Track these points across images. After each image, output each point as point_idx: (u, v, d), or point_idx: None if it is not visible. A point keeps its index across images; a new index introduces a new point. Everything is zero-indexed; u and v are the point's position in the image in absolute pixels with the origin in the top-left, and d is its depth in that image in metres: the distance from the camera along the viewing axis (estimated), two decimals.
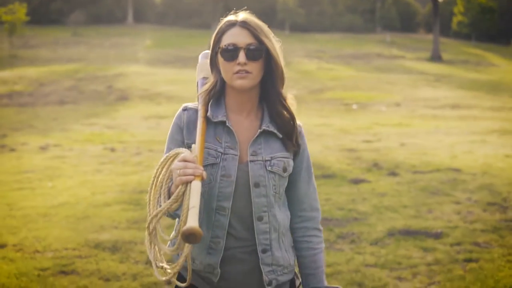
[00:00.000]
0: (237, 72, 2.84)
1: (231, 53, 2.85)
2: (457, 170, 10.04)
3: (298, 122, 3.00)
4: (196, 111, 2.97)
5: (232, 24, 2.91)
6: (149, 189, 2.61)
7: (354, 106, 21.04)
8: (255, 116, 2.99)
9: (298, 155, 3.00)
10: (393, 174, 9.90)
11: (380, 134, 14.76)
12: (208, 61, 3.05)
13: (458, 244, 6.16)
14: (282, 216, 2.96)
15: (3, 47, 36.83)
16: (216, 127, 2.92)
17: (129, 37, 43.91)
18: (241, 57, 2.82)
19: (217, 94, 2.98)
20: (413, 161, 10.95)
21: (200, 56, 3.17)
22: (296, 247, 3.04)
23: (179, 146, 2.90)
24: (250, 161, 2.88)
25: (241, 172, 2.87)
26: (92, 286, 5.08)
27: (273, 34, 2.93)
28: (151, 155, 11.75)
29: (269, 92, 2.97)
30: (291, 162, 2.96)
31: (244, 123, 2.97)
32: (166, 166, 2.65)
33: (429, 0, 41.40)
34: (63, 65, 30.48)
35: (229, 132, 2.90)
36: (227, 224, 2.87)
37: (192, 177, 2.58)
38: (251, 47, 2.84)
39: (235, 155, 2.87)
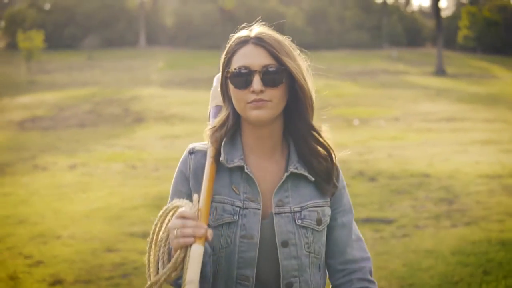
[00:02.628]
0: (251, 102, 2.41)
1: (243, 78, 2.42)
2: (427, 175, 12.17)
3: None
4: (205, 154, 2.55)
5: (244, 41, 2.48)
6: (147, 247, 2.30)
7: (355, 122, 22.86)
8: (280, 156, 2.57)
9: (334, 197, 2.57)
10: (372, 180, 12.06)
11: (373, 147, 16.81)
12: None
13: (403, 227, 8.42)
14: (317, 280, 2.55)
15: (20, 72, 39.10)
16: (232, 174, 2.50)
17: (142, 59, 46.06)
18: (256, 82, 2.39)
19: (231, 131, 2.55)
20: (394, 169, 13.06)
21: (214, 80, 2.75)
22: None
23: None
24: (276, 213, 2.45)
25: (265, 230, 2.45)
26: (132, 257, 7.39)
27: (298, 51, 2.54)
28: (168, 171, 13.87)
29: (296, 124, 2.53)
30: (328, 211, 2.55)
31: (268, 166, 2.54)
32: (165, 222, 2.29)
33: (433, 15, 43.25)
34: (80, 89, 32.50)
35: (249, 179, 2.48)
36: None
37: (192, 239, 2.17)
38: (269, 69, 2.41)
39: (258, 209, 2.44)
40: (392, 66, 43.34)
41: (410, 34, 57.85)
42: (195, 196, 2.30)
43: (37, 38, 37.48)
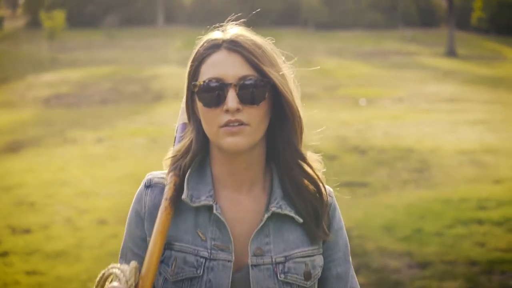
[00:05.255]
0: (225, 125, 2.01)
1: (214, 93, 2.02)
2: (411, 151, 14.36)
3: (328, 188, 2.25)
4: (163, 189, 2.14)
5: (214, 46, 2.10)
6: None
7: (362, 102, 24.65)
8: (261, 190, 2.16)
9: (327, 242, 2.19)
10: (363, 153, 14.32)
11: (374, 125, 18.87)
12: None
13: (375, 189, 10.80)
14: None
15: (42, 50, 41.27)
16: (199, 215, 2.10)
17: (160, 38, 48.02)
18: (231, 99, 1.99)
19: (197, 159, 2.16)
20: (384, 145, 15.21)
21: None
22: None
23: (140, 246, 2.16)
24: (253, 265, 2.06)
25: (238, 285, 2.07)
26: None
27: (283, 58, 2.13)
28: None
29: (280, 151, 2.13)
30: (319, 261, 2.16)
31: (245, 204, 2.13)
32: None
33: None
34: (101, 67, 34.40)
35: (219, 222, 2.07)
36: None
37: None
38: (247, 82, 2.00)
39: (228, 261, 2.05)
40: (405, 47, 45.02)
41: (425, 14, 59.17)
42: (132, 264, 1.96)
43: (59, 17, 39.40)
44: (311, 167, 2.18)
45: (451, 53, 41.48)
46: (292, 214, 2.10)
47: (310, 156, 2.22)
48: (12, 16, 60.31)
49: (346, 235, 2.30)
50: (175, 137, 2.34)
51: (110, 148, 16.03)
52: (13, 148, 16.32)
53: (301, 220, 2.11)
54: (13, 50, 41.44)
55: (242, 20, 2.19)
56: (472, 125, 18.48)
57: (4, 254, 8.30)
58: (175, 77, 30.70)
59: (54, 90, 28.46)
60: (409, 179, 11.56)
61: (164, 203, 2.06)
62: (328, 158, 13.74)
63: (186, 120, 2.29)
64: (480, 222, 8.88)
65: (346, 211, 9.47)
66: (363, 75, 32.60)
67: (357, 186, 11.08)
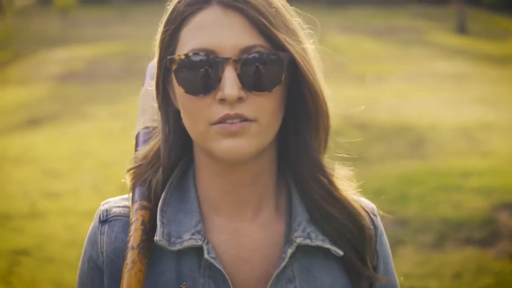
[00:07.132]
0: (220, 121, 1.38)
1: (201, 73, 1.39)
2: (410, 127, 15.50)
3: (370, 205, 1.80)
4: (128, 222, 1.48)
5: (202, 0, 1.46)
6: None
7: (370, 79, 25.39)
8: (273, 212, 1.55)
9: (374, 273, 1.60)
10: (362, 128, 15.53)
11: (379, 102, 19.86)
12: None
13: (367, 159, 12.14)
14: None
15: (54, 26, 42.11)
16: (181, 258, 1.47)
17: None
18: (229, 83, 1.36)
19: (177, 173, 1.52)
20: (385, 121, 16.35)
21: (146, 75, 1.72)
22: None
23: None
24: None
25: None
26: None
27: (299, 20, 1.52)
28: None
29: (292, 158, 1.55)
30: None
31: (251, 235, 1.51)
32: None
33: None
34: (113, 43, 35.36)
35: (214, 271, 1.45)
36: None
37: None
38: (253, 56, 1.37)
39: None
40: (415, 23, 45.68)
41: None
42: None
43: None
44: (336, 185, 1.68)
45: (461, 30, 41.88)
46: (327, 245, 1.51)
47: (338, 171, 1.75)
48: None
49: (392, 262, 1.72)
50: (136, 145, 1.75)
51: (124, 123, 17.22)
52: (33, 123, 17.54)
53: (341, 253, 1.52)
54: (25, 27, 42.36)
55: None
56: (474, 102, 19.38)
57: (43, 214, 9.74)
58: None
59: (67, 66, 29.33)
60: (404, 153, 12.84)
61: (131, 255, 1.42)
62: (332, 133, 15.03)
63: (147, 124, 1.69)
64: (459, 188, 10.18)
65: None
66: (372, 52, 33.11)
67: (356, 159, 12.36)
